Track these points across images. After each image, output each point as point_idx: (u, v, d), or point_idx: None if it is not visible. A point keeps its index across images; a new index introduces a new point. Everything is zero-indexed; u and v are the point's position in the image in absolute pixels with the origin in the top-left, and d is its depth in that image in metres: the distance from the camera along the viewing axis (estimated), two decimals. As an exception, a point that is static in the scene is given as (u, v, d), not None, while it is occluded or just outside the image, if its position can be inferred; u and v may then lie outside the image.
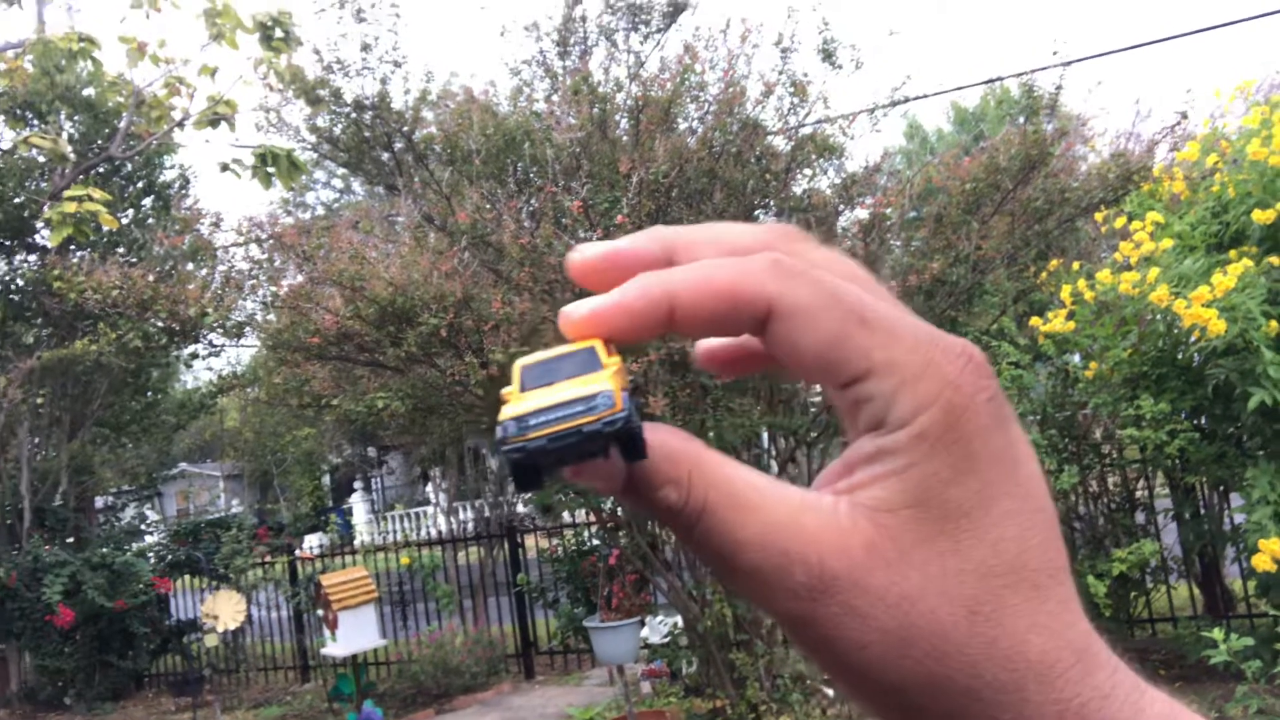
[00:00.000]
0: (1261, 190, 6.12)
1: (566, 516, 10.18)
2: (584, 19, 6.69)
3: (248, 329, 5.64)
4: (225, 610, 8.98)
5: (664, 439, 0.40)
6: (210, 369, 15.93)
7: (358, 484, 27.63)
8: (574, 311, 0.41)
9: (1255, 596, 7.26)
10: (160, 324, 5.55)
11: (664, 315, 0.40)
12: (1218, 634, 4.82)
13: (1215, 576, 8.17)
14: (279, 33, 9.84)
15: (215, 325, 5.25)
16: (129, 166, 13.28)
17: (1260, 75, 8.01)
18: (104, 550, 12.25)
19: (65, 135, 11.90)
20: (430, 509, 21.60)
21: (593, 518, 7.78)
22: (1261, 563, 5.10)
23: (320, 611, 7.85)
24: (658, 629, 8.06)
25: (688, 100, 5.88)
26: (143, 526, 15.08)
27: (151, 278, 5.27)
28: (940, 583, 0.37)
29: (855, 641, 0.37)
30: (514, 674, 10.81)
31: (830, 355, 0.39)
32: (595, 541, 9.26)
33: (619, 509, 6.39)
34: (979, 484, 0.38)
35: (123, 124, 11.53)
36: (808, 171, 7.13)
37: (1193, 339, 5.99)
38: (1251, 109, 6.69)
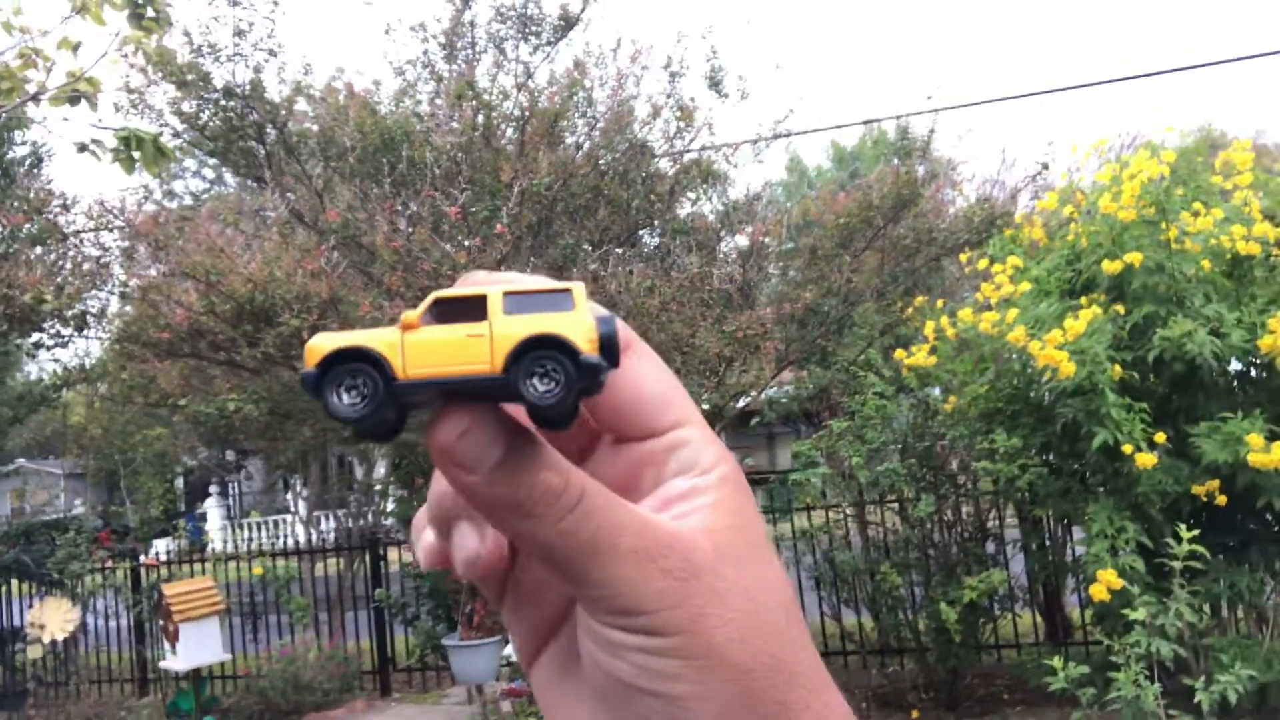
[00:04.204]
0: (1111, 242, 6.48)
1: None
2: (473, 24, 6.57)
3: (91, 319, 5.26)
4: (53, 619, 8.36)
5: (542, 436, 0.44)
6: (56, 360, 14.92)
7: (214, 488, 26.37)
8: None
9: (1091, 625, 7.65)
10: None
11: None
12: (1057, 662, 5.05)
13: (1057, 605, 8.58)
14: (150, 11, 9.33)
15: (53, 313, 4.87)
16: (-27, 139, 12.37)
17: (1113, 134, 8.54)
18: (-81, 551, 11.26)
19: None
20: (290, 517, 20.79)
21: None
22: (1098, 592, 5.36)
23: (161, 622, 7.39)
24: (520, 647, 7.91)
25: (575, 115, 5.84)
26: (-27, 527, 13.96)
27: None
28: (766, 583, 0.46)
29: (718, 618, 0.43)
30: (369, 691, 10.44)
31: (669, 396, 0.48)
32: (460, 556, 9.05)
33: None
34: (761, 522, 0.49)
35: (-31, 93, 10.71)
36: (691, 195, 7.20)
37: (1044, 379, 6.27)
38: (1105, 165, 7.10)
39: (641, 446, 0.48)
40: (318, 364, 0.41)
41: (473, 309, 0.42)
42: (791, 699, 0.44)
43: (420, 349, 0.41)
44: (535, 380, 0.40)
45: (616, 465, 0.49)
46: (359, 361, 0.40)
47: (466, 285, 0.44)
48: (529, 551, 0.45)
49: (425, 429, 0.41)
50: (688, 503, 0.46)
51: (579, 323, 0.41)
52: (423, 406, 0.43)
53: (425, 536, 0.48)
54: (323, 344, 0.41)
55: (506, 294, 0.42)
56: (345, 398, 0.40)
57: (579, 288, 0.43)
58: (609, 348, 0.42)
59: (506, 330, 0.41)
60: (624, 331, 0.46)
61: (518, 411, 0.42)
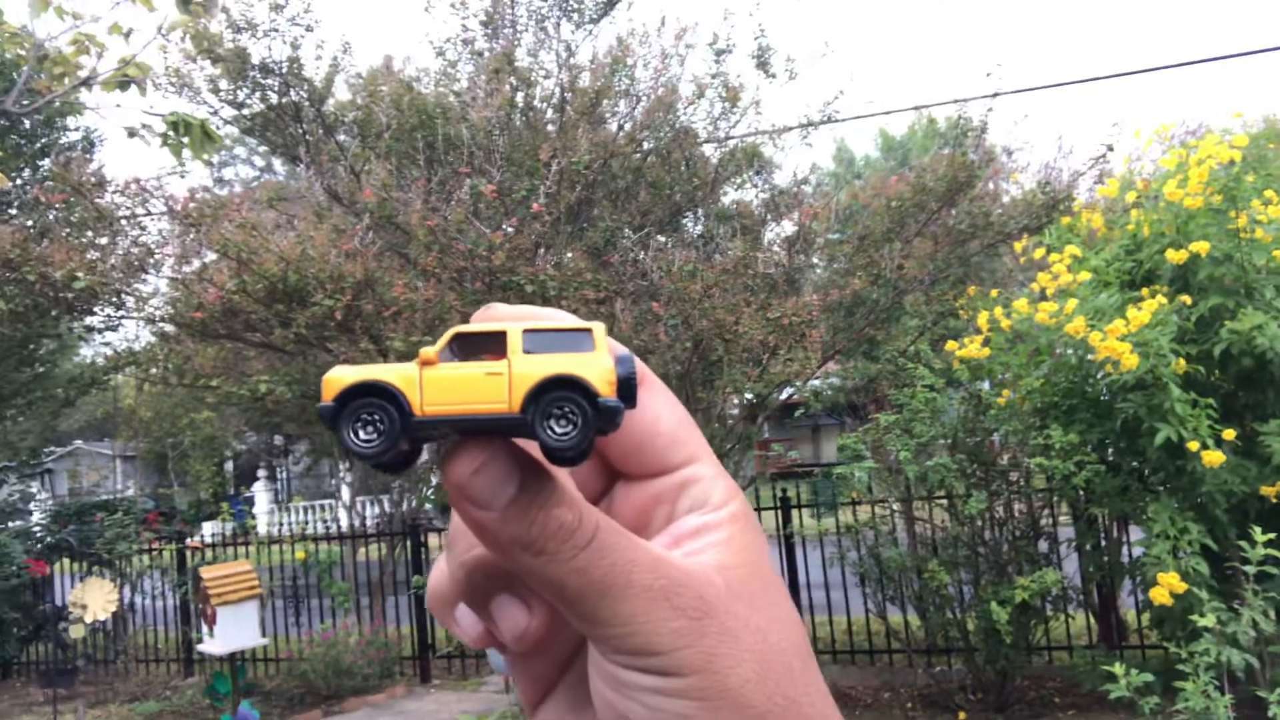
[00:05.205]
0: (1175, 231, 6.21)
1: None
2: (514, 1, 6.40)
3: (130, 300, 5.23)
4: (95, 599, 8.44)
5: (556, 472, 0.43)
6: (107, 344, 15.16)
7: (261, 472, 26.74)
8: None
9: (1148, 628, 7.37)
10: (31, 287, 5.10)
11: None
12: (1118, 669, 4.81)
13: (1111, 607, 8.30)
14: (198, -4, 9.37)
15: (87, 292, 4.83)
16: (27, 124, 12.56)
17: (1177, 119, 8.22)
18: (-27, 530, 11.51)
19: (-42, 86, 11.20)
20: (334, 502, 21.00)
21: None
22: (1159, 596, 5.14)
23: (200, 605, 7.42)
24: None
25: (617, 95, 5.70)
26: (31, 506, 14.26)
27: (21, 237, 4.83)
28: (780, 622, 0.45)
29: (732, 658, 0.42)
30: (409, 677, 10.47)
31: (680, 433, 0.48)
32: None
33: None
34: (770, 562, 0.48)
35: (21, 78, 10.86)
36: (737, 180, 7.03)
37: (1103, 373, 6.03)
38: (1169, 151, 6.81)
39: (653, 483, 0.48)
40: (335, 398, 0.40)
41: (492, 345, 0.42)
42: None
43: (438, 385, 0.41)
44: (552, 422, 0.40)
45: (629, 502, 0.48)
46: (377, 397, 0.40)
47: (487, 320, 0.44)
48: (541, 590, 0.44)
49: (442, 463, 0.41)
50: (699, 540, 0.46)
51: (598, 364, 0.41)
52: (438, 440, 0.43)
53: (460, 616, 0.47)
54: (341, 377, 0.41)
55: (526, 331, 0.42)
56: (361, 433, 0.40)
57: (599, 328, 0.42)
58: (627, 389, 0.41)
59: (525, 370, 0.41)
60: (639, 368, 0.45)
61: (532, 447, 0.42)
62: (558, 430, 0.40)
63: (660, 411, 0.47)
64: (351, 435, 0.40)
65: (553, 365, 0.40)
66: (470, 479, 0.40)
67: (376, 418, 0.40)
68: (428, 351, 0.41)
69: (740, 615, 0.43)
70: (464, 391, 0.40)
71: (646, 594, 0.41)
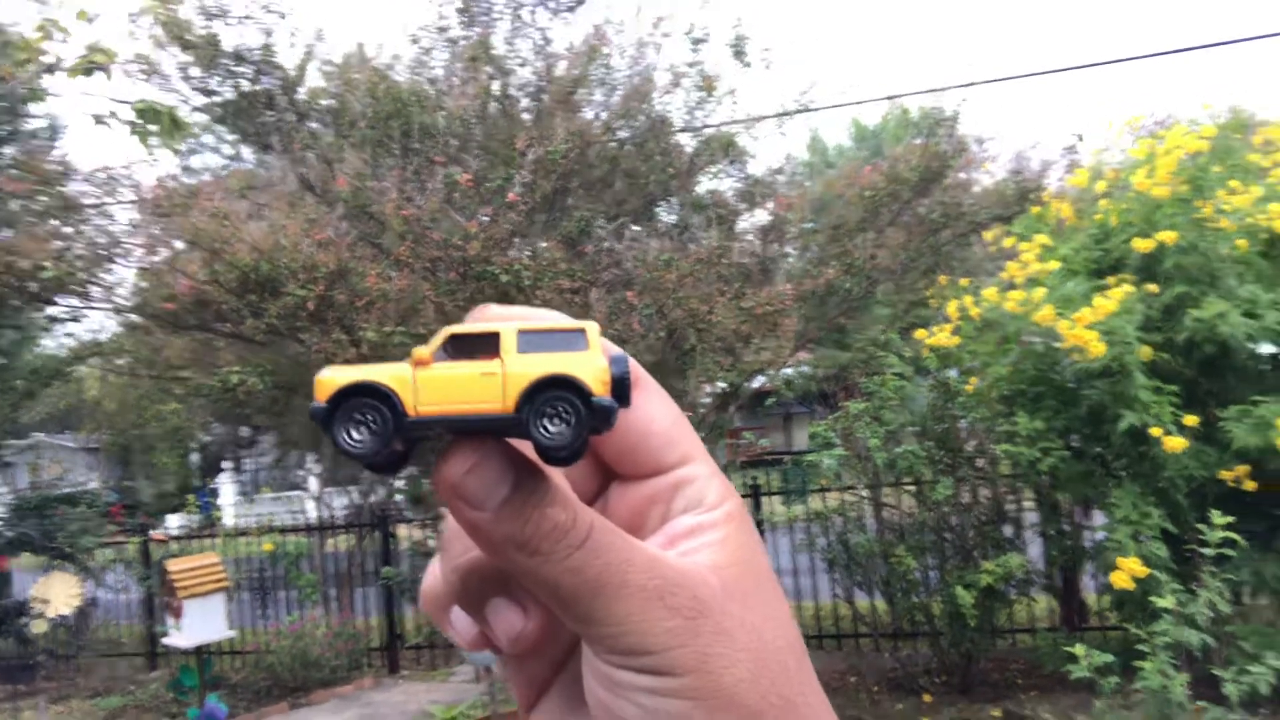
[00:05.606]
0: (1143, 220, 6.31)
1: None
2: (490, -12, 6.36)
3: (97, 290, 5.15)
4: (58, 594, 8.31)
5: (550, 471, 0.43)
6: (70, 335, 14.87)
7: (227, 464, 26.38)
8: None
9: (1109, 610, 7.52)
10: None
11: None
12: (1079, 650, 4.91)
13: (1074, 590, 8.45)
14: (165, -20, 9.22)
15: (54, 282, 4.74)
16: (-13, 109, 12.26)
17: (1145, 111, 8.35)
18: (-69, 523, 11.27)
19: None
20: (302, 493, 20.79)
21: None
22: (1119, 580, 5.23)
23: (165, 598, 7.32)
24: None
25: (594, 83, 5.68)
26: (-13, 499, 13.96)
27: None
28: (774, 621, 0.45)
29: (727, 658, 0.42)
30: (377, 668, 10.43)
31: (675, 433, 0.48)
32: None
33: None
34: (766, 559, 0.48)
35: (-19, 63, 10.60)
36: (712, 169, 7.04)
37: (1069, 360, 6.12)
38: (1139, 142, 6.91)
39: (648, 483, 0.48)
40: (328, 399, 0.40)
41: (486, 345, 0.42)
42: None
43: (432, 386, 0.41)
44: (546, 421, 0.41)
45: (624, 502, 0.49)
46: (370, 397, 0.40)
47: (480, 320, 0.44)
48: (535, 590, 0.44)
49: (434, 464, 0.41)
50: (694, 540, 0.46)
51: (591, 363, 0.41)
52: (430, 440, 0.43)
53: (455, 619, 0.47)
54: (334, 378, 0.41)
55: (520, 332, 0.42)
56: (354, 434, 0.40)
57: (593, 327, 0.43)
58: (621, 388, 0.42)
59: (519, 369, 0.41)
60: (633, 369, 0.45)
61: (525, 446, 0.42)
62: (552, 430, 0.40)
63: (654, 411, 0.48)
64: (345, 436, 0.40)
65: (546, 365, 0.41)
66: (464, 479, 0.41)
67: (370, 418, 0.40)
68: (421, 351, 0.41)
69: (735, 614, 0.43)
70: (458, 391, 0.41)
71: (641, 594, 0.42)
